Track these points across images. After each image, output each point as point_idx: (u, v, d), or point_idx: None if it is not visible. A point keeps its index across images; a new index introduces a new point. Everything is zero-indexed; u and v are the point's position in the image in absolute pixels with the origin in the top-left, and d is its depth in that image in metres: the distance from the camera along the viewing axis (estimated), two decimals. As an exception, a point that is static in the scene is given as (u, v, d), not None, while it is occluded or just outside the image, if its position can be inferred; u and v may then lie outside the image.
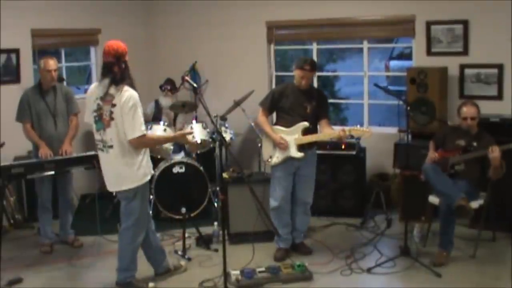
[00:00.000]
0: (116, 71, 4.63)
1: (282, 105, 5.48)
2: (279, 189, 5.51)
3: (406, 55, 10.92)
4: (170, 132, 6.24)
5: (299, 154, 5.41)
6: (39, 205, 5.97)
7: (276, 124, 5.59)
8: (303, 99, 5.45)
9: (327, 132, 5.46)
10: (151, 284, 5.01)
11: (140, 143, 4.67)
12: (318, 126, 5.62)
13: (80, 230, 6.30)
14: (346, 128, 5.39)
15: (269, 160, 5.51)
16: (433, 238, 5.79)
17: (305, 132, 5.43)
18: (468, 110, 5.52)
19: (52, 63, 5.78)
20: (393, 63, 12.13)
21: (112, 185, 4.85)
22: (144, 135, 4.64)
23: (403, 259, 5.39)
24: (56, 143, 5.84)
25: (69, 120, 5.99)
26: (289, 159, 5.44)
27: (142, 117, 4.63)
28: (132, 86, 4.66)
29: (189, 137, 4.90)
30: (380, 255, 5.59)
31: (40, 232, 6.05)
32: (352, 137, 6.48)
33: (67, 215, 6.09)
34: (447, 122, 6.32)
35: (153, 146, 4.85)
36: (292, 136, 5.42)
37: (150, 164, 4.89)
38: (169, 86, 7.41)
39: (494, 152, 5.20)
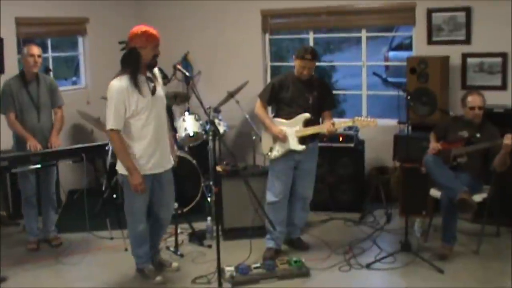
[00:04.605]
0: (122, 57, 4.71)
1: (283, 96, 5.41)
2: (278, 184, 5.44)
3: (405, 46, 10.92)
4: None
5: (301, 147, 5.34)
6: (23, 201, 5.89)
7: (276, 116, 5.52)
8: (304, 90, 5.38)
9: (326, 124, 5.38)
10: (158, 278, 5.03)
11: (109, 137, 4.73)
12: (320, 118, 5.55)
13: (68, 227, 6.25)
14: (351, 119, 5.35)
15: (269, 153, 5.46)
16: (434, 233, 5.77)
17: (307, 123, 5.36)
18: (474, 99, 5.49)
19: (36, 49, 5.73)
20: (393, 54, 12.12)
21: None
22: (110, 130, 4.64)
23: (404, 254, 5.36)
24: (39, 136, 5.75)
25: (53, 113, 5.92)
26: (289, 153, 5.39)
27: (114, 111, 4.60)
28: (132, 74, 4.62)
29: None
30: (380, 250, 5.56)
31: (26, 229, 5.99)
32: (350, 128, 6.50)
33: (48, 211, 5.99)
34: (449, 113, 6.29)
35: (116, 150, 4.75)
36: (293, 128, 5.35)
37: (147, 164, 4.79)
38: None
39: (509, 139, 5.14)
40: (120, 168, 4.82)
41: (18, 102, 5.70)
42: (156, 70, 4.89)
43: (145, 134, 4.73)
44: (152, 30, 4.72)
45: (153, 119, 4.74)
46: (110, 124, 4.63)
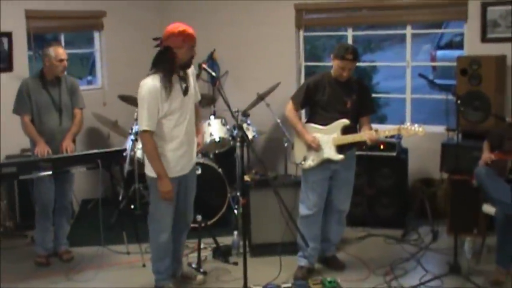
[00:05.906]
0: (155, 56, 4.81)
1: (318, 99, 5.34)
2: (312, 196, 5.39)
3: (455, 44, 10.80)
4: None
5: (339, 157, 5.27)
6: (39, 211, 5.88)
7: (309, 121, 5.46)
8: (342, 93, 5.31)
9: (368, 132, 5.30)
10: None
11: (142, 138, 4.85)
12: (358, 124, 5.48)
13: (81, 240, 6.27)
14: (395, 127, 5.26)
15: (303, 162, 5.39)
16: (488, 254, 5.66)
17: (345, 130, 5.29)
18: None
19: (64, 53, 5.80)
20: (441, 54, 12.02)
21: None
22: (144, 132, 4.75)
23: (452, 277, 5.28)
24: (59, 140, 5.77)
25: (73, 115, 5.94)
26: (325, 162, 5.32)
27: (148, 111, 4.70)
28: (166, 74, 4.72)
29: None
30: (425, 272, 5.48)
31: (36, 242, 5.99)
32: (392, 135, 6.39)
33: (62, 222, 6.02)
34: (505, 119, 6.17)
35: (147, 154, 4.87)
36: (330, 136, 5.28)
37: (176, 166, 4.91)
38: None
39: None
40: (149, 170, 4.92)
41: (37, 104, 5.73)
42: (191, 68, 4.98)
43: (177, 134, 4.87)
44: (190, 30, 4.76)
45: (184, 119, 4.90)
46: (144, 125, 4.75)
